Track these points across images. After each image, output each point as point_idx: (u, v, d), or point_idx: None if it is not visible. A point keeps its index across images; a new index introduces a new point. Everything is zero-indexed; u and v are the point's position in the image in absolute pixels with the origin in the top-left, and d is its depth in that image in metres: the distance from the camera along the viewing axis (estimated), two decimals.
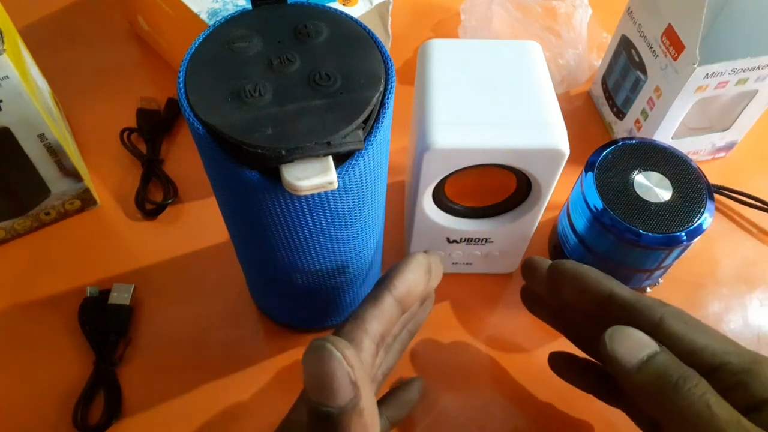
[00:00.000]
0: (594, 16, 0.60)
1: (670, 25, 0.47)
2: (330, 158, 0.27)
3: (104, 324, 0.44)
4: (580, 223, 0.44)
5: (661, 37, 0.48)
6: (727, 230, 0.53)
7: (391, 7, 0.56)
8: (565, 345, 0.46)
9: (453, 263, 0.47)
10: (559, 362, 0.41)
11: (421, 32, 0.66)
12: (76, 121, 0.56)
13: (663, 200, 0.41)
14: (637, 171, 0.42)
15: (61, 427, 0.41)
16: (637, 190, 0.42)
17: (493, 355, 0.45)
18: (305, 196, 0.29)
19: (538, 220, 0.43)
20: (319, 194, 0.29)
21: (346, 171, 0.29)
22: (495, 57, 0.40)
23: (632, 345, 0.29)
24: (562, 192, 0.49)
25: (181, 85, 0.28)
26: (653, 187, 0.42)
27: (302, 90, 0.28)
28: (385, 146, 0.31)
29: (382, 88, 0.29)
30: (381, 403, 0.38)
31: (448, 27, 0.66)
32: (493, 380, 0.44)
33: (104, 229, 0.50)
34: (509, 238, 0.44)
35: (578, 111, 0.61)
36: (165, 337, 0.45)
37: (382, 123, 0.29)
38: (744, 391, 0.27)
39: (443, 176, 0.39)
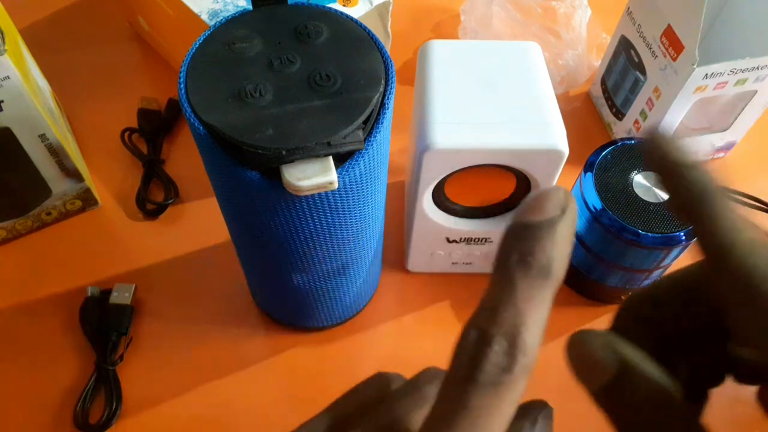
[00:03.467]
0: (593, 16, 0.60)
1: (669, 25, 0.47)
2: (330, 158, 0.27)
3: (105, 324, 0.44)
4: (580, 223, 0.44)
5: (661, 38, 0.48)
6: None
7: (391, 7, 0.56)
8: (561, 345, 0.46)
9: (453, 263, 0.47)
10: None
11: (421, 33, 0.66)
12: (77, 122, 0.56)
13: (662, 200, 0.41)
14: (636, 171, 0.43)
15: (62, 426, 0.41)
16: (636, 190, 0.42)
17: None
18: (305, 196, 0.29)
19: None
20: (319, 194, 0.29)
21: (346, 171, 0.29)
22: (495, 58, 0.40)
23: None
24: None
25: (182, 85, 0.28)
26: (652, 187, 0.42)
27: (302, 90, 0.28)
28: (385, 146, 0.31)
29: (382, 89, 0.29)
30: None
31: (447, 28, 0.66)
32: None
33: (105, 230, 0.50)
34: None
35: (577, 111, 0.61)
36: (166, 336, 0.45)
37: (382, 123, 0.29)
38: None
39: (443, 176, 0.39)
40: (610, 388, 0.21)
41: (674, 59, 0.47)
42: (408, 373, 0.47)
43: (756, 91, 0.49)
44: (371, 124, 0.29)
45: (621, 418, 0.21)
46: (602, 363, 0.21)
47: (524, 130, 0.37)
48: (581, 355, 0.21)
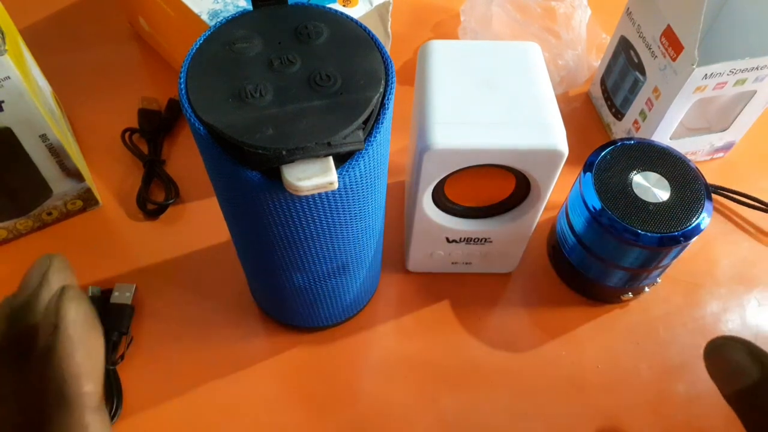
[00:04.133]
0: (593, 16, 0.60)
1: (669, 25, 0.47)
2: (330, 158, 0.27)
3: (105, 323, 0.44)
4: (579, 223, 0.44)
5: (660, 38, 0.48)
6: (725, 230, 0.53)
7: (391, 8, 0.56)
8: (561, 344, 0.46)
9: (453, 263, 0.47)
10: None
11: (421, 33, 0.66)
12: (78, 122, 0.56)
13: (661, 200, 0.41)
14: (635, 171, 0.43)
15: None
16: (636, 191, 0.42)
17: (492, 355, 0.45)
18: (306, 197, 0.29)
19: (537, 220, 0.43)
20: (319, 194, 0.29)
21: (347, 171, 0.29)
22: (494, 58, 0.40)
23: None
24: (561, 192, 0.49)
25: (183, 85, 0.28)
26: (651, 187, 0.42)
27: (303, 90, 0.28)
28: (385, 146, 0.31)
29: (382, 89, 0.29)
30: None
31: (447, 28, 0.67)
32: (492, 380, 0.44)
33: (106, 229, 0.50)
34: (508, 238, 0.44)
35: (577, 112, 0.61)
36: (166, 336, 0.45)
37: (382, 123, 0.29)
38: None
39: (443, 176, 0.39)
40: (747, 393, 0.21)
41: (674, 59, 0.47)
42: (408, 374, 0.47)
43: (755, 91, 0.49)
44: (371, 124, 0.29)
45: (755, 422, 0.21)
46: (743, 368, 0.22)
47: (524, 130, 0.37)
48: (722, 359, 0.22)
